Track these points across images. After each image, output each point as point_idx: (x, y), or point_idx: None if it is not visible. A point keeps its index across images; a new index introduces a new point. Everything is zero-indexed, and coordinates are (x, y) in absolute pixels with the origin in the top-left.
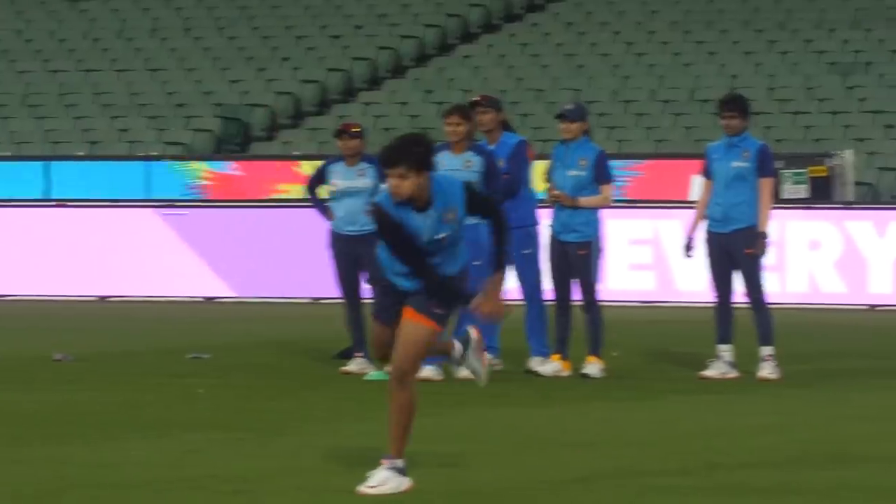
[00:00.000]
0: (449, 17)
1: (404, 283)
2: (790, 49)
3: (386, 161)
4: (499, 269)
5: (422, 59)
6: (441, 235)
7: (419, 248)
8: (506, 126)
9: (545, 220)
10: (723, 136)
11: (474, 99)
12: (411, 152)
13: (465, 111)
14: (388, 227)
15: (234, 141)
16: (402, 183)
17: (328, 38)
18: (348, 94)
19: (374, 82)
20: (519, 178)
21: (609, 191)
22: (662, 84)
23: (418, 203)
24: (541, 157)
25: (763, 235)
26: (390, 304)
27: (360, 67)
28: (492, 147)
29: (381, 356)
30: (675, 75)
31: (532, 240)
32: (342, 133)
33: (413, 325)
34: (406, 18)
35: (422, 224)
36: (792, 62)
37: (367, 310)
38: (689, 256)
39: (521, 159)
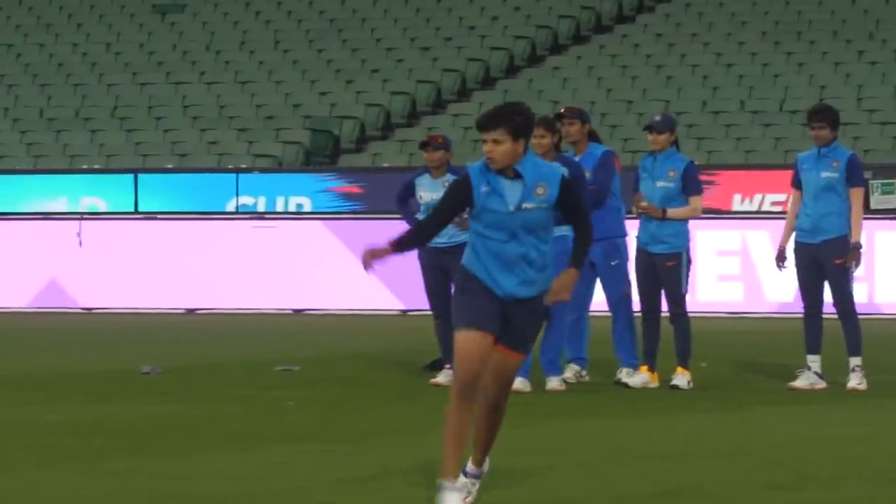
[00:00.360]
0: (539, 29)
1: (514, 288)
2: (879, 59)
3: (483, 124)
4: (575, 265)
5: (511, 70)
6: (529, 205)
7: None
8: (593, 137)
9: (632, 231)
10: (812, 147)
11: (560, 111)
12: (510, 118)
13: (549, 123)
14: (455, 192)
15: (323, 153)
16: (497, 148)
17: (417, 50)
18: (437, 105)
19: (464, 94)
20: (605, 189)
21: (698, 202)
22: (752, 95)
23: (510, 172)
24: (631, 168)
25: (857, 246)
26: (490, 308)
27: (449, 79)
28: (578, 158)
29: (471, 377)
30: (765, 86)
31: (619, 251)
32: (426, 145)
33: (515, 360)
34: (495, 30)
35: (510, 190)
36: (881, 72)
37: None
38: (781, 268)
39: (607, 169)
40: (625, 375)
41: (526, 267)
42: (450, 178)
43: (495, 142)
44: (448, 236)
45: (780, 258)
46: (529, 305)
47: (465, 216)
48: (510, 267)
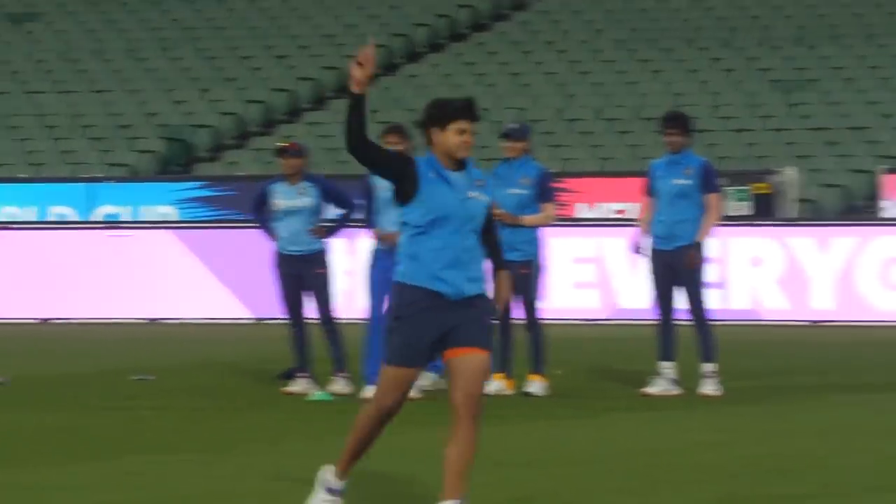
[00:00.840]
0: (394, 37)
1: (464, 284)
2: (733, 67)
3: (475, 114)
4: (504, 267)
5: None
6: (474, 194)
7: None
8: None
9: None
10: (665, 154)
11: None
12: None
13: (402, 130)
14: (398, 158)
15: (178, 162)
16: (472, 138)
17: (273, 59)
18: (293, 114)
19: (319, 102)
20: None
21: (552, 209)
22: (607, 103)
23: (453, 164)
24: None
25: (697, 247)
26: (426, 341)
27: (304, 88)
28: None
29: (396, 406)
30: (620, 94)
31: None
32: (284, 152)
33: (482, 357)
34: (351, 38)
35: (457, 180)
36: (735, 80)
37: (311, 329)
38: (639, 253)
39: None
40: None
41: (471, 262)
42: (305, 185)
43: (473, 132)
44: (303, 244)
45: (637, 247)
46: (479, 302)
47: (324, 225)
48: (458, 263)
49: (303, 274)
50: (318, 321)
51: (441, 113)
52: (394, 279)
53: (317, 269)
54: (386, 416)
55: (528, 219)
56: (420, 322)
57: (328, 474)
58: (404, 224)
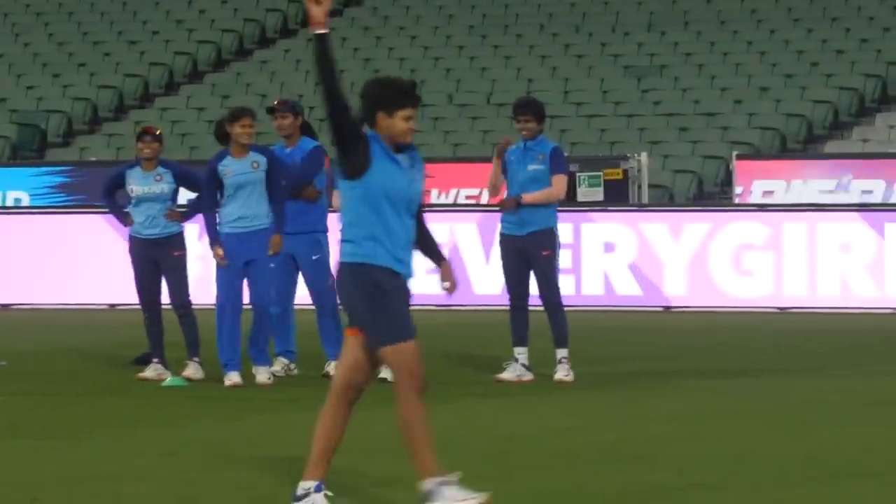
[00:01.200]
0: (246, 22)
1: (410, 270)
2: (585, 53)
3: (417, 100)
4: (442, 255)
5: (219, 64)
6: (416, 178)
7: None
8: (307, 130)
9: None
10: (519, 140)
11: (273, 104)
12: None
13: (252, 114)
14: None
15: (30, 147)
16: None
17: (124, 44)
18: (145, 99)
19: (171, 87)
20: (306, 182)
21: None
22: (459, 88)
23: (396, 147)
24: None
25: (517, 200)
26: (408, 308)
27: (156, 73)
28: (289, 151)
29: (421, 375)
30: (472, 80)
31: (321, 246)
32: (144, 135)
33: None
34: (203, 24)
35: (404, 162)
36: (587, 66)
37: (166, 315)
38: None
39: (314, 164)
40: (333, 368)
41: (411, 245)
42: (161, 171)
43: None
44: (160, 228)
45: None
46: (409, 287)
47: (178, 209)
48: (408, 245)
49: (159, 257)
50: (173, 305)
51: (389, 98)
52: (350, 260)
53: (174, 252)
54: (422, 392)
55: (529, 197)
56: (400, 297)
57: (432, 484)
58: (351, 200)
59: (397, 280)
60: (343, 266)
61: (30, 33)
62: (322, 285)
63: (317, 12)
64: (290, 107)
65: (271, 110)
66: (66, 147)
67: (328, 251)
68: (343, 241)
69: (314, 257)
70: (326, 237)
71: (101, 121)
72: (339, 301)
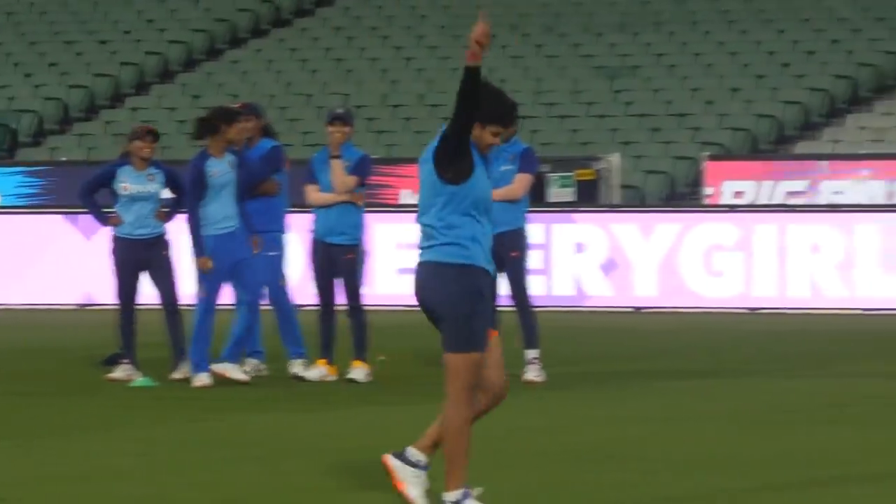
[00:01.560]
0: (217, 22)
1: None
2: (557, 53)
3: (512, 122)
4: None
5: (190, 63)
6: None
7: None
8: (268, 132)
9: (305, 224)
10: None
11: (235, 107)
12: None
13: (257, 111)
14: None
15: (0, 147)
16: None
17: (95, 44)
18: (116, 99)
19: (142, 87)
20: (262, 180)
21: (354, 182)
22: (431, 89)
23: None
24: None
25: (520, 232)
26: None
27: (127, 73)
28: (250, 152)
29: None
30: (444, 80)
31: (278, 244)
32: (147, 134)
33: (497, 340)
34: (174, 24)
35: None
36: (559, 66)
37: (141, 316)
38: None
39: (271, 163)
40: (301, 369)
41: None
42: (153, 171)
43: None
44: (150, 228)
45: None
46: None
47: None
48: (488, 248)
49: (149, 258)
50: (165, 305)
51: (490, 113)
52: (459, 261)
53: (163, 252)
54: (472, 405)
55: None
56: (487, 307)
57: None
58: (450, 205)
59: (492, 285)
60: (448, 266)
61: (1, 33)
62: (276, 283)
63: (477, 49)
64: (251, 109)
65: (233, 114)
66: (37, 147)
67: (284, 250)
68: (445, 244)
69: (271, 254)
70: (283, 236)
71: (73, 121)
72: (429, 299)
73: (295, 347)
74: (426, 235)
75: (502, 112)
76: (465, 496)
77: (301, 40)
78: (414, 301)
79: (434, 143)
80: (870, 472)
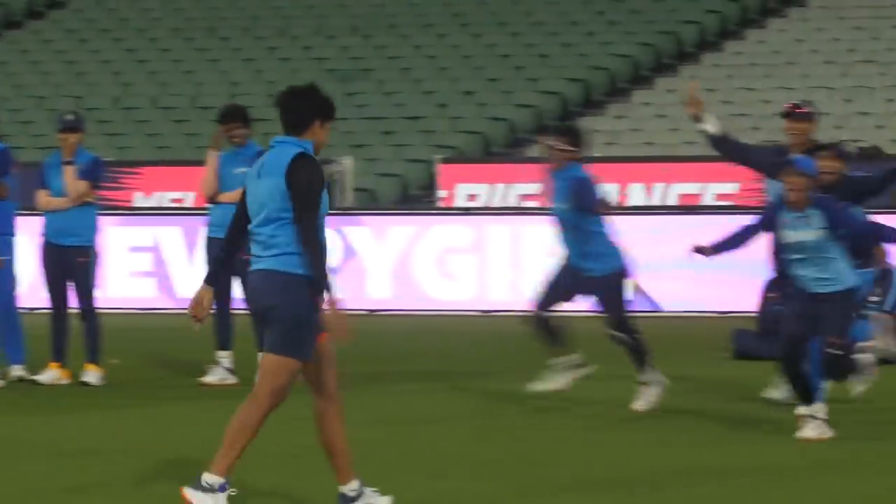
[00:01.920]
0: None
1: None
2: (290, 56)
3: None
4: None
5: None
6: None
7: None
8: None
9: (36, 227)
10: (231, 147)
11: None
12: None
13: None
14: None
15: None
16: None
17: None
18: None
19: None
20: None
21: (85, 187)
22: (164, 91)
23: None
24: (37, 164)
25: None
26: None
27: None
28: None
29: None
30: (177, 82)
31: (9, 248)
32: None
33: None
34: None
35: None
36: (292, 69)
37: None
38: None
39: (0, 166)
40: (24, 373)
41: None
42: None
43: None
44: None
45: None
46: None
47: None
48: None
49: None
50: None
51: (330, 110)
52: (303, 272)
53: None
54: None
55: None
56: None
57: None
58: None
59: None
60: (293, 276)
61: None
62: (8, 287)
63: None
64: None
65: None
66: None
67: (14, 254)
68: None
69: (3, 258)
70: (13, 239)
71: None
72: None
73: (16, 354)
74: (264, 245)
75: (333, 108)
76: (223, 488)
77: (33, 42)
78: (147, 304)
79: (282, 156)
80: (609, 474)
